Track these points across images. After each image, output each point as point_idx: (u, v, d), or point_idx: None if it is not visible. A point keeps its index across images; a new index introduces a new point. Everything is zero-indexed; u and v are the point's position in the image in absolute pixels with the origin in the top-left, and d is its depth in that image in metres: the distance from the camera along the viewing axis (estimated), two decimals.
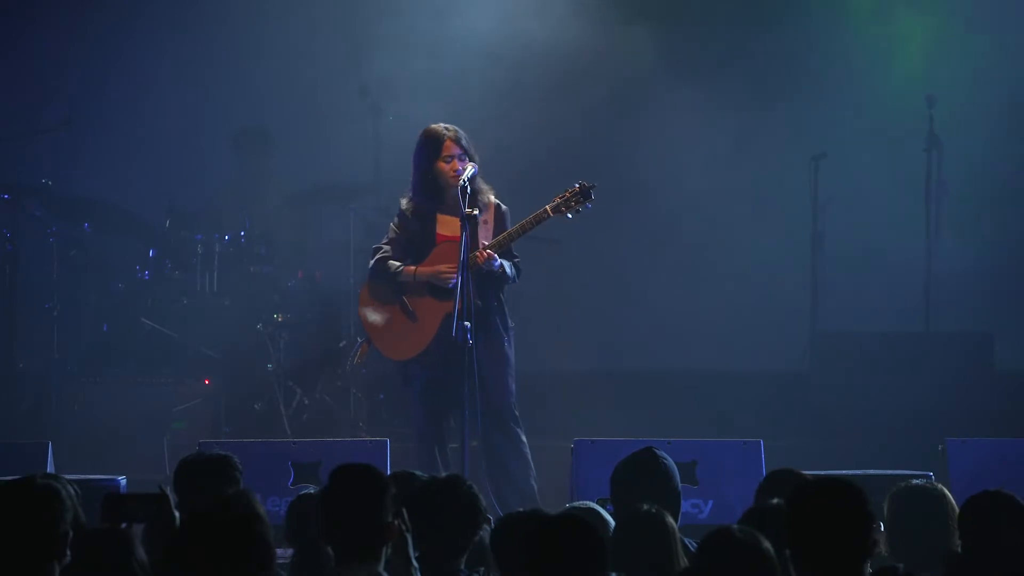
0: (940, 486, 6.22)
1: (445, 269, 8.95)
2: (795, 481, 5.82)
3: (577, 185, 8.98)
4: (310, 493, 6.42)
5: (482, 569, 5.79)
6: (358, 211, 12.45)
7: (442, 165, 9.00)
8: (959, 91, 13.03)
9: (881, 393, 11.64)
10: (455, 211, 8.90)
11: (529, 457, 9.03)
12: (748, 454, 8.70)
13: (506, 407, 8.98)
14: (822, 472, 6.90)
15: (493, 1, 12.91)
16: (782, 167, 13.15)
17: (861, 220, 13.23)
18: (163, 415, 11.30)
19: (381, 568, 5.18)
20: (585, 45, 12.96)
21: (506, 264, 8.97)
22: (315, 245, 12.79)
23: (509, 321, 9.09)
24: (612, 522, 6.05)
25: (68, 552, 5.00)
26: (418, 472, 6.59)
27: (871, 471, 8.39)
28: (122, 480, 8.40)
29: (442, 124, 9.08)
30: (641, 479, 6.40)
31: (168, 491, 5.42)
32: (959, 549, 5.66)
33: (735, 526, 4.92)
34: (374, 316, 9.15)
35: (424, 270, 9.02)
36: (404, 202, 9.14)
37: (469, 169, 8.88)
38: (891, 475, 7.97)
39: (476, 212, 8.74)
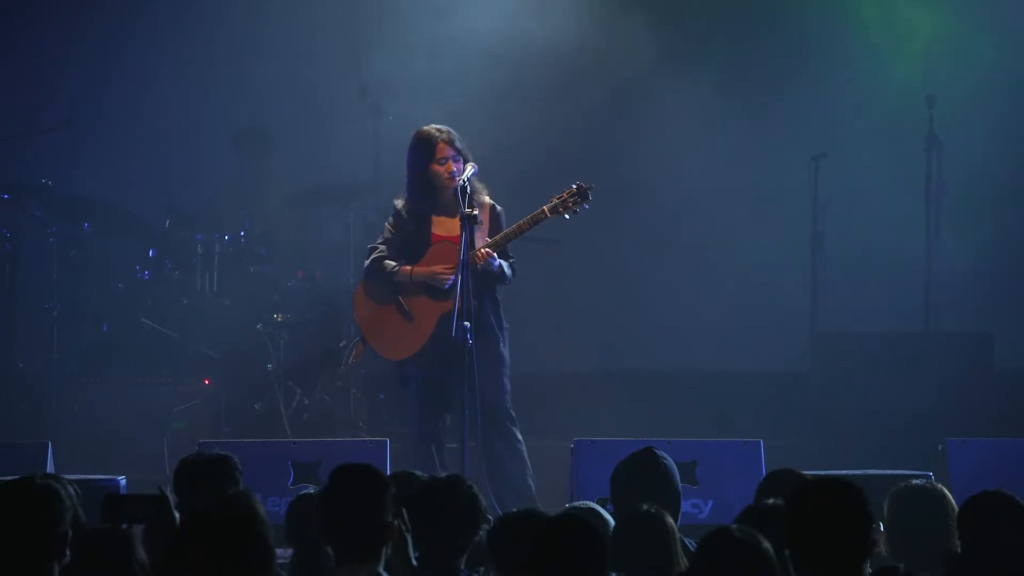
0: (940, 486, 6.22)
1: (441, 269, 8.94)
2: (795, 481, 5.83)
3: (575, 186, 8.97)
4: (310, 493, 6.42)
5: (482, 569, 5.79)
6: (358, 211, 12.45)
7: (436, 167, 8.98)
8: (959, 91, 13.02)
9: (881, 393, 11.63)
10: (450, 212, 8.91)
11: (525, 456, 9.02)
12: (748, 454, 8.70)
13: (501, 406, 8.97)
14: (822, 472, 6.90)
15: (493, 1, 12.90)
16: (782, 167, 13.15)
17: (861, 220, 13.23)
18: (163, 415, 11.31)
19: (381, 568, 5.18)
20: (585, 45, 12.95)
21: (504, 264, 8.97)
22: (315, 245, 12.78)
23: (504, 321, 9.09)
24: (612, 522, 6.04)
25: (68, 552, 5.00)
26: (418, 472, 6.59)
27: (871, 471, 8.39)
28: (122, 480, 8.40)
29: (434, 126, 9.04)
30: (641, 479, 6.40)
31: (168, 491, 5.42)
32: (959, 549, 5.65)
33: (734, 526, 4.92)
34: (370, 316, 9.14)
35: (420, 270, 9.01)
36: (399, 203, 9.12)
37: (469, 169, 8.87)
38: (891, 475, 7.97)
39: (476, 212, 8.74)
